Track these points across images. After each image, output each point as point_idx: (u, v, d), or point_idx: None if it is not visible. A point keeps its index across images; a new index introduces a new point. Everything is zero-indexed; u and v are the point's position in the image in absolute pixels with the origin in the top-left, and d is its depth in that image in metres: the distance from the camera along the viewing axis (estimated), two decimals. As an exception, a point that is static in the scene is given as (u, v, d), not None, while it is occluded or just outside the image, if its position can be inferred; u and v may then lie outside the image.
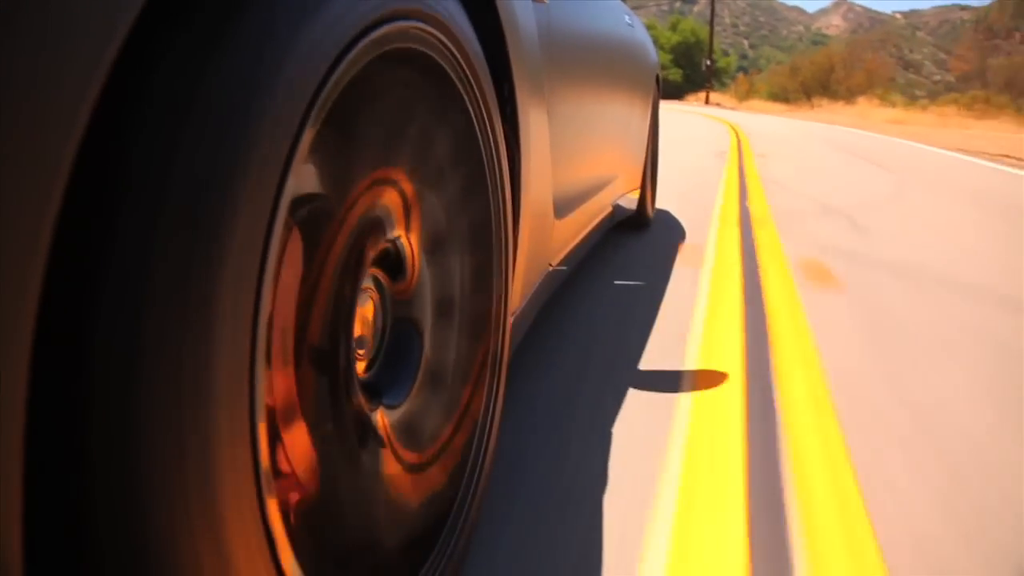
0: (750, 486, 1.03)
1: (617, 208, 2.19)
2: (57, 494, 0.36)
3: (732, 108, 22.01)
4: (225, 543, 0.39)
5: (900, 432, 1.22)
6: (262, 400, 0.42)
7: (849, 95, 24.00)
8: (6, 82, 0.29)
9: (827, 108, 21.28)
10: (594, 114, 1.59)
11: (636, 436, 1.18)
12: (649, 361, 1.50)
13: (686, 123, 11.53)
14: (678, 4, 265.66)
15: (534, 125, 1.01)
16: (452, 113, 0.75)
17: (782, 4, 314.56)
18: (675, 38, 41.15)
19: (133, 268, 0.36)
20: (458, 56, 0.72)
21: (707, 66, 27.21)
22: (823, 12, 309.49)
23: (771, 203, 3.67)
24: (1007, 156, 7.47)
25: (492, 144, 0.81)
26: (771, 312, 1.84)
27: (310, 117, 0.45)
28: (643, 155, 2.69)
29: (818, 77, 26.65)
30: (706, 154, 6.31)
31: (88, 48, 0.32)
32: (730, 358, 1.51)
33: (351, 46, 0.51)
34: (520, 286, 1.01)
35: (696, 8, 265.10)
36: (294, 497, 0.50)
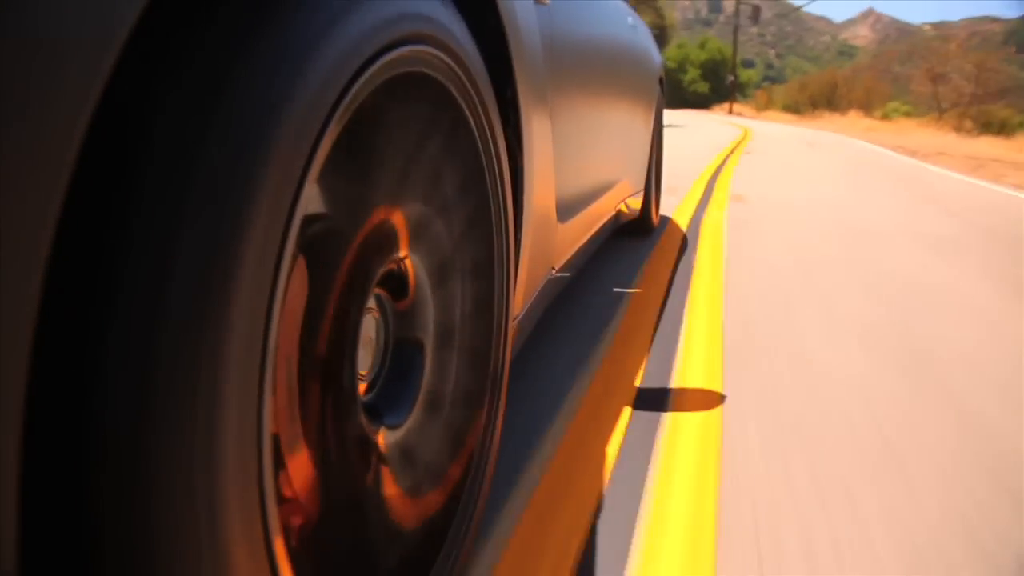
0: (712, 180, 6.93)
1: (621, 214, 2.25)
2: (61, 496, 0.36)
3: (751, 118, 27.90)
4: (227, 556, 0.40)
5: (753, 164, 7.14)
6: (269, 415, 0.43)
7: (848, 107, 29.71)
8: (10, 84, 0.29)
9: (826, 118, 26.83)
10: (597, 117, 1.60)
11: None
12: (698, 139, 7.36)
13: (713, 127, 17.48)
14: (704, 14, 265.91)
15: (537, 129, 1.01)
16: (457, 132, 0.76)
17: (809, 14, 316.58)
18: (703, 55, 47.63)
19: (148, 278, 0.37)
20: (463, 77, 0.73)
21: (730, 82, 33.53)
22: (851, 22, 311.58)
23: (747, 149, 9.63)
24: (898, 146, 13.22)
25: (495, 157, 0.83)
26: (733, 156, 7.82)
27: (323, 137, 0.46)
28: (647, 159, 2.73)
29: (824, 92, 32.46)
30: (725, 140, 12.19)
31: (86, 55, 0.32)
32: (719, 159, 7.41)
33: (362, 71, 0.51)
34: (522, 291, 1.02)
35: (722, 17, 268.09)
36: (296, 516, 0.52)
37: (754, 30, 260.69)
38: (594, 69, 1.57)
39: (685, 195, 4.64)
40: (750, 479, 1.12)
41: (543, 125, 1.05)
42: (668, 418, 1.33)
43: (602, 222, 1.89)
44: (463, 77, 0.73)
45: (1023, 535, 1.00)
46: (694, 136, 11.28)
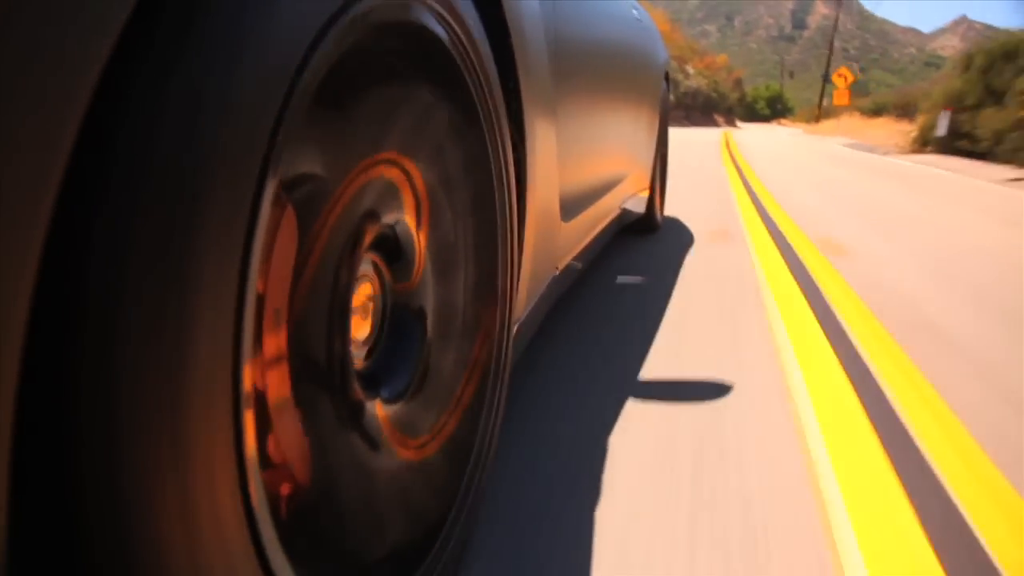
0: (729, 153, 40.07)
1: (625, 212, 2.29)
2: (42, 489, 0.36)
3: (783, 125, 60.05)
4: (200, 530, 0.40)
5: (750, 143, 40.67)
6: (246, 391, 0.43)
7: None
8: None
9: (824, 123, 59.54)
10: (601, 113, 1.63)
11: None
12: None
13: (762, 129, 49.90)
14: (788, 31, 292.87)
15: (540, 125, 1.02)
16: (454, 95, 0.75)
17: (895, 26, 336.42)
18: (767, 94, 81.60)
19: (112, 258, 0.37)
20: (461, 36, 0.72)
21: (779, 108, 65.37)
22: (940, 32, 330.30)
23: (760, 130, 43.24)
24: (812, 130, 45.85)
25: (497, 131, 0.83)
26: (754, 131, 41.17)
27: (293, 97, 0.45)
28: (652, 155, 2.76)
29: (825, 109, 65.40)
30: (761, 130, 44.89)
31: (80, 51, 0.33)
32: (747, 133, 40.81)
33: (338, 17, 0.50)
34: (525, 291, 1.03)
35: (806, 33, 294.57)
36: (284, 489, 0.51)
37: (838, 44, 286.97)
38: (598, 63, 1.58)
39: (737, 127, 38.15)
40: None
41: (546, 120, 1.06)
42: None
43: (606, 221, 1.92)
44: (462, 36, 0.72)
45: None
46: (748, 129, 44.24)
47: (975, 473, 1.14)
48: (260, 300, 0.47)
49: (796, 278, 2.43)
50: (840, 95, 26.33)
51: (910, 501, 1.04)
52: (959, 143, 10.66)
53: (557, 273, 1.29)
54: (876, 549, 0.93)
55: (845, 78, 26.17)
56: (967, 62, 12.23)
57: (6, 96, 0.30)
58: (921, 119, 13.50)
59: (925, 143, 12.37)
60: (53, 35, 0.32)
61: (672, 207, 3.97)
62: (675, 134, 14.62)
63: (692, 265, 2.60)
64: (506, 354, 0.93)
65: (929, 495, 1.07)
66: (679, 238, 3.18)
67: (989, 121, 9.94)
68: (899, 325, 1.91)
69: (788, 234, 3.33)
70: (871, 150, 13.63)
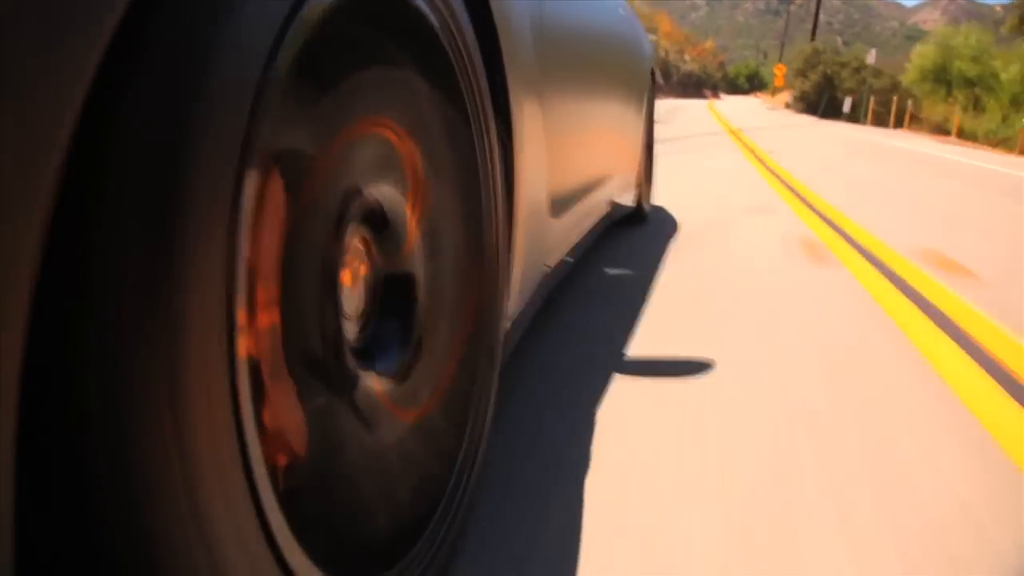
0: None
1: (614, 206, 2.36)
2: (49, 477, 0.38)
3: (759, 97, 77.42)
4: (204, 504, 0.42)
5: (722, 106, 58.00)
6: (243, 374, 0.45)
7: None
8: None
9: (777, 95, 76.78)
10: (588, 109, 1.66)
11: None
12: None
13: (735, 98, 66.11)
14: (774, 5, 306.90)
15: (528, 120, 1.04)
16: (443, 85, 0.77)
17: (879, 0, 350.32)
18: (746, 71, 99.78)
19: (107, 256, 0.38)
20: (451, 26, 0.75)
21: (756, 83, 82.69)
22: (922, 6, 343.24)
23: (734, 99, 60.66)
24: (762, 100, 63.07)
25: (484, 127, 0.85)
26: (730, 98, 58.71)
27: (272, 67, 0.46)
28: (639, 150, 2.86)
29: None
30: (734, 99, 61.36)
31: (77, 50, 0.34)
32: (726, 99, 58.18)
33: None
34: (517, 288, 1.05)
35: (792, 7, 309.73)
36: (281, 451, 0.53)
37: (823, 18, 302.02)
38: (585, 60, 1.62)
39: (720, 98, 55.67)
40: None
41: (534, 116, 1.08)
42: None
43: (596, 216, 1.99)
44: (452, 28, 0.74)
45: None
46: (726, 99, 60.91)
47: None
48: (250, 300, 0.49)
49: (719, 116, 19.83)
50: (778, 80, 43.88)
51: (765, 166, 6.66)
52: (800, 105, 28.73)
53: (548, 270, 1.33)
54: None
55: (781, 71, 43.78)
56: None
57: (3, 95, 0.31)
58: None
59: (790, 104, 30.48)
60: (49, 35, 0.33)
61: (690, 115, 21.63)
62: (680, 102, 31.40)
63: (696, 118, 20.11)
64: (497, 348, 0.96)
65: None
66: (692, 119, 20.78)
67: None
68: (730, 116, 19.51)
69: (720, 118, 20.51)
70: (772, 108, 31.85)
